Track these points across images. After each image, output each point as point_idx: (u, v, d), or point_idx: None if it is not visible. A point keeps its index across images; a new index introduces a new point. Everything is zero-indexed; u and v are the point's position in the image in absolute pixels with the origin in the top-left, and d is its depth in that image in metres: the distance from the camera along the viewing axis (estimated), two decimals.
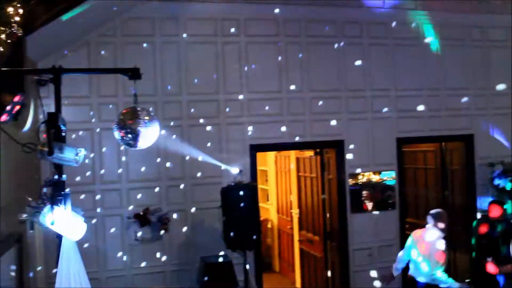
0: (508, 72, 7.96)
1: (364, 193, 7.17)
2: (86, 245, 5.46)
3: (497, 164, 7.62)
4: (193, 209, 6.41)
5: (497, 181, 7.57)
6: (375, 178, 7.24)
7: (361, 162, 7.16)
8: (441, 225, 5.99)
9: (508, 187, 7.46)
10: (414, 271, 6.04)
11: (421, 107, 7.48)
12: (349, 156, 7.09)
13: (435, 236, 5.92)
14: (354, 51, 7.17)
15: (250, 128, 6.68)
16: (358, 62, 7.16)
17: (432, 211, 6.21)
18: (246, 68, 6.70)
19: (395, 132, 7.35)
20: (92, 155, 6.07)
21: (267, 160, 10.42)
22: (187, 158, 6.39)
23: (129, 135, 3.51)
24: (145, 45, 6.30)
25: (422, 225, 7.45)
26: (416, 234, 6.19)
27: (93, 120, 6.14)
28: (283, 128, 6.83)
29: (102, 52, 6.14)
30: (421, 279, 5.94)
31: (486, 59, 7.90)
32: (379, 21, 7.31)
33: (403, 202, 7.50)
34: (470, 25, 7.84)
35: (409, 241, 6.19)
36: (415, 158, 8.62)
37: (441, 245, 5.84)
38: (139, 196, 6.24)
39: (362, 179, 7.17)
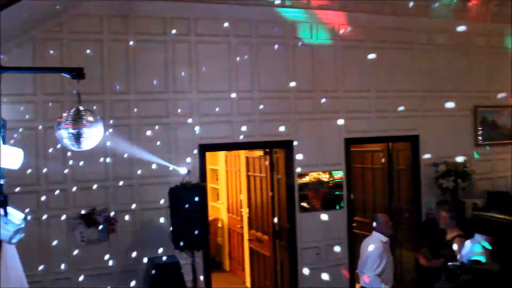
0: (453, 76, 8.23)
1: (312, 192, 7.25)
2: (29, 246, 5.33)
3: (441, 164, 7.84)
4: (140, 210, 6.32)
5: (441, 181, 7.79)
6: (323, 177, 7.33)
7: (309, 162, 7.23)
8: (379, 228, 6.12)
9: (450, 187, 7.69)
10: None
11: (368, 109, 7.64)
12: (297, 156, 7.15)
13: (371, 240, 6.07)
14: (303, 52, 7.23)
15: (199, 128, 6.64)
16: (307, 65, 7.24)
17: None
18: (196, 68, 6.66)
19: (343, 133, 7.45)
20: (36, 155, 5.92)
21: (218, 160, 10.42)
22: (135, 158, 6.30)
23: (72, 136, 3.45)
24: (88, 51, 6.14)
25: (369, 224, 7.62)
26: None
27: (37, 118, 5.98)
28: (233, 128, 6.82)
29: (51, 52, 5.99)
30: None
31: (432, 62, 8.11)
32: (327, 23, 7.39)
33: (350, 201, 7.61)
34: (418, 29, 8.03)
35: None
36: (363, 158, 8.79)
37: (371, 248, 5.96)
38: (85, 196, 6.11)
39: (310, 178, 7.24)
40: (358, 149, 8.60)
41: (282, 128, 7.05)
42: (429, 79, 8.06)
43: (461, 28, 7.92)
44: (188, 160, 6.53)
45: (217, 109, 6.74)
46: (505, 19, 8.55)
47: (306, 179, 7.22)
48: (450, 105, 8.12)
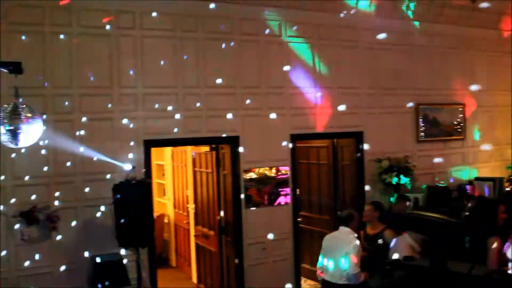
0: (397, 74, 8.44)
1: (258, 188, 7.28)
2: None
3: (384, 160, 8.03)
4: (84, 207, 6.19)
5: (384, 176, 7.99)
6: (269, 173, 7.38)
7: (255, 158, 7.26)
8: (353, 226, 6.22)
9: (394, 182, 7.89)
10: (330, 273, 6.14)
11: (313, 105, 7.73)
12: (244, 152, 7.16)
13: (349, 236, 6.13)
14: (250, 48, 7.24)
15: (144, 123, 6.55)
16: (253, 61, 7.26)
17: None
18: (141, 62, 6.56)
19: (289, 129, 7.51)
20: None
21: (164, 155, 10.33)
22: (78, 153, 6.16)
23: (9, 133, 3.34)
24: (23, 37, 5.93)
25: (315, 218, 7.74)
26: (330, 235, 6.44)
27: None
28: (178, 124, 6.76)
29: None
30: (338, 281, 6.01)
31: (376, 60, 8.28)
32: (273, 19, 7.42)
33: (296, 196, 7.69)
34: (361, 28, 8.17)
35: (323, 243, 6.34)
36: (308, 153, 8.90)
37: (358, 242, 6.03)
38: (26, 193, 5.93)
39: (256, 174, 7.28)
40: (304, 145, 8.71)
41: (228, 124, 7.04)
42: (373, 77, 8.24)
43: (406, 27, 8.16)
44: (133, 156, 6.43)
45: (162, 105, 6.66)
46: (449, 19, 8.87)
47: (252, 175, 7.25)
48: (392, 102, 8.36)
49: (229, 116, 7.06)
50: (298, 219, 7.93)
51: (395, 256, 5.44)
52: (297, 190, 7.93)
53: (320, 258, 6.28)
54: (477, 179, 9.19)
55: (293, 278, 7.60)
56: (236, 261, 7.16)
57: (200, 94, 6.92)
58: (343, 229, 6.15)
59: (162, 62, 6.68)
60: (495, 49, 9.70)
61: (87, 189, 6.20)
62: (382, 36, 8.31)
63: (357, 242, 5.95)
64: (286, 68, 7.48)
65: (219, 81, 7.00)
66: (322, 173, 8.71)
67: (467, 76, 9.38)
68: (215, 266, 7.80)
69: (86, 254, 6.07)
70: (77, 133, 6.17)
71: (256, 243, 7.29)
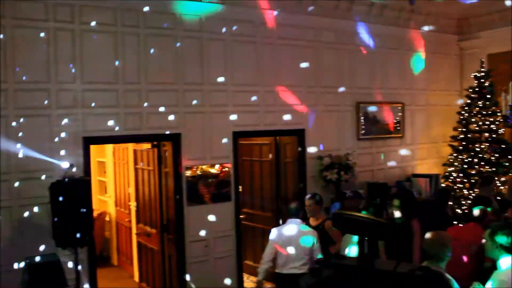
0: (337, 72, 8.59)
1: (201, 185, 7.26)
2: None
3: (325, 157, 8.16)
4: (19, 206, 5.99)
5: (325, 173, 8.11)
6: (211, 170, 7.36)
7: (197, 155, 7.22)
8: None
9: (334, 179, 8.03)
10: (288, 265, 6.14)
11: (257, 102, 7.76)
12: (186, 149, 7.12)
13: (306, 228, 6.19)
14: (192, 44, 7.18)
15: (83, 120, 6.40)
16: (196, 58, 7.22)
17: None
18: (80, 57, 6.39)
19: (231, 126, 7.52)
20: None
21: (106, 152, 10.14)
22: (13, 151, 5.95)
23: None
24: None
25: (258, 215, 7.77)
26: (280, 229, 6.38)
27: None
28: (119, 121, 6.64)
29: None
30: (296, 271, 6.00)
31: (317, 59, 8.39)
32: (218, 16, 7.40)
33: (238, 193, 7.71)
34: (305, 26, 8.26)
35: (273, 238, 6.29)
36: (251, 151, 8.94)
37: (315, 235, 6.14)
38: None
39: (198, 171, 7.25)
40: (247, 142, 8.75)
41: (170, 121, 6.97)
42: (315, 75, 8.35)
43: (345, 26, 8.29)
44: (72, 153, 6.27)
45: (102, 101, 6.52)
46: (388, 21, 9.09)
47: (194, 172, 7.21)
48: (333, 100, 8.51)
49: (171, 113, 6.98)
50: (241, 216, 7.96)
51: (346, 251, 5.57)
52: (240, 187, 7.95)
53: (267, 252, 6.19)
54: (414, 175, 9.48)
55: (236, 275, 7.62)
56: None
57: (142, 90, 6.82)
58: (296, 221, 6.17)
59: (102, 58, 6.54)
60: (433, 50, 10.03)
61: (23, 188, 6.00)
62: (323, 34, 8.43)
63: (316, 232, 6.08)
64: (229, 65, 7.47)
65: (160, 77, 6.91)
66: (264, 170, 8.77)
67: (406, 76, 9.65)
68: (157, 264, 7.73)
69: (22, 256, 5.86)
70: (11, 130, 5.95)
71: (199, 241, 7.27)
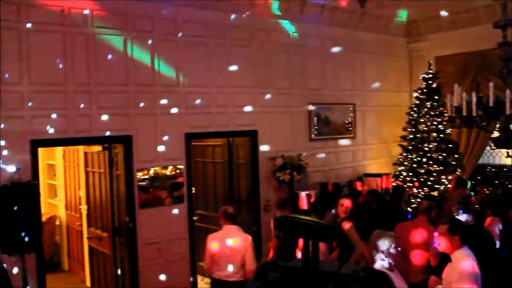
0: (290, 73, 8.66)
1: (153, 187, 7.19)
2: None
3: (278, 158, 8.20)
4: None
5: (278, 174, 8.16)
6: (164, 172, 7.30)
7: (149, 157, 7.15)
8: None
9: (286, 179, 8.08)
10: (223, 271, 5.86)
11: (209, 104, 7.74)
12: (137, 151, 7.03)
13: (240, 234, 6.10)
14: (143, 45, 7.11)
15: (31, 122, 6.23)
16: (147, 59, 7.14)
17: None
18: (27, 57, 6.20)
19: (184, 128, 7.47)
20: None
21: (56, 154, 9.91)
22: None
23: None
24: None
25: (211, 217, 7.73)
26: (217, 235, 6.27)
27: None
28: (68, 122, 6.49)
29: None
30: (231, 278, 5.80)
31: (270, 60, 8.44)
32: (169, 17, 7.35)
33: (191, 195, 7.68)
34: (257, 28, 8.29)
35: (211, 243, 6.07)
36: (204, 152, 8.91)
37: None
38: None
39: (150, 174, 7.17)
40: (200, 144, 8.71)
41: (120, 123, 6.87)
42: (267, 76, 8.39)
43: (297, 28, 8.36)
44: (19, 156, 6.10)
45: (50, 103, 6.36)
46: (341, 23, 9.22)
47: (146, 174, 7.14)
48: (286, 101, 8.57)
49: (122, 114, 6.89)
50: (194, 218, 7.92)
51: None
52: (193, 188, 7.91)
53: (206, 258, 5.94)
54: (366, 175, 9.65)
55: (190, 277, 7.58)
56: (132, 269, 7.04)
57: (92, 92, 6.69)
58: (233, 227, 5.89)
59: (50, 58, 6.38)
60: (383, 52, 10.25)
61: None
62: (275, 36, 8.49)
63: (250, 237, 5.87)
64: (180, 65, 7.42)
65: (111, 79, 6.81)
66: (218, 172, 8.75)
67: (357, 77, 9.82)
68: (109, 269, 7.60)
69: None
70: None
71: (151, 244, 7.20)
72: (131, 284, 7.11)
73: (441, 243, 4.56)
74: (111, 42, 6.83)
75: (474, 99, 5.83)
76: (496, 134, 6.25)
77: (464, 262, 4.40)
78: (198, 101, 7.60)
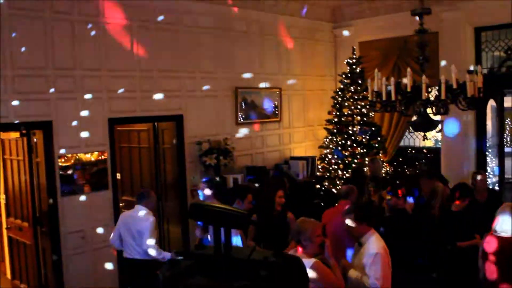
0: (216, 58, 8.60)
1: (75, 174, 6.99)
2: None
3: (204, 142, 8.17)
4: None
5: (204, 158, 8.13)
6: (87, 158, 7.11)
7: (71, 143, 6.93)
8: (148, 204, 6.21)
9: (213, 164, 8.08)
10: (129, 250, 6.20)
11: (133, 88, 7.58)
12: (58, 137, 6.79)
13: (142, 214, 6.12)
14: (62, 27, 6.83)
15: None
16: (66, 42, 6.86)
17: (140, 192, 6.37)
18: None
19: (107, 113, 7.28)
20: None
21: None
22: None
23: None
24: None
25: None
26: (125, 214, 6.34)
27: None
28: None
29: None
30: (137, 256, 6.13)
31: (196, 44, 8.34)
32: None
33: (116, 181, 7.53)
34: (182, 11, 8.16)
35: (118, 221, 6.32)
36: (129, 137, 8.75)
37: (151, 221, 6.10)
38: None
39: (73, 160, 6.96)
40: (125, 129, 8.55)
41: (39, 108, 6.61)
42: (194, 60, 8.31)
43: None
44: None
45: None
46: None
47: (68, 161, 6.92)
48: (212, 85, 8.53)
49: (41, 99, 6.62)
50: (120, 204, 7.79)
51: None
52: (118, 174, 7.76)
53: (112, 235, 6.36)
54: (292, 158, 9.79)
55: (117, 264, 7.45)
56: (54, 257, 6.83)
57: (7, 76, 6.38)
58: (140, 208, 6.17)
59: None
60: (308, 37, 10.37)
61: None
62: (202, 19, 8.40)
63: (152, 218, 6.09)
64: (102, 50, 7.21)
65: (28, 62, 6.51)
66: (143, 157, 8.63)
67: (283, 61, 9.89)
68: (30, 260, 7.35)
69: None
70: None
71: (75, 232, 7.02)
72: (54, 274, 6.93)
73: (350, 230, 4.72)
74: (26, 23, 6.51)
75: (393, 84, 6.01)
76: (414, 118, 6.47)
77: (374, 244, 4.58)
78: (121, 89, 7.43)
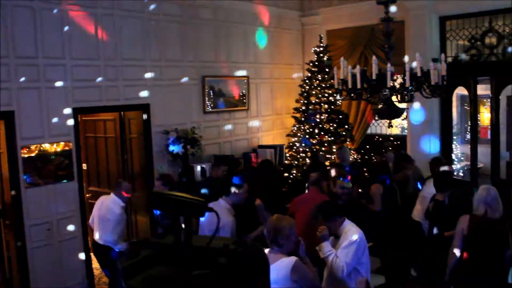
0: (182, 46, 8.52)
1: (40, 165, 6.86)
2: None
3: (171, 131, 8.11)
4: None
5: (171, 147, 8.08)
6: (51, 149, 6.98)
7: (35, 134, 6.79)
8: (121, 194, 6.43)
9: (180, 153, 8.03)
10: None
11: (98, 77, 7.46)
12: (21, 127, 6.64)
13: (112, 205, 6.17)
14: (24, 14, 6.67)
15: None
16: (28, 30, 6.70)
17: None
18: None
19: (71, 102, 7.16)
20: None
21: None
22: None
23: None
24: None
25: (105, 193, 7.53)
26: (102, 198, 6.72)
27: None
28: None
29: None
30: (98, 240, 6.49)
31: (162, 32, 8.25)
32: None
33: (81, 172, 7.43)
34: None
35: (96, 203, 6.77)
36: (95, 127, 8.63)
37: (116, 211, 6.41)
38: None
39: (36, 151, 6.83)
40: (91, 119, 8.44)
41: (1, 98, 6.42)
42: (159, 49, 8.22)
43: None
44: None
45: None
46: None
47: (32, 152, 6.78)
48: (179, 74, 8.46)
49: (1, 89, 6.44)
50: (87, 195, 7.69)
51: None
52: (84, 165, 7.65)
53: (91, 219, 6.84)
54: (260, 147, 9.80)
55: (83, 255, 7.37)
56: (19, 243, 6.71)
57: None
58: (113, 197, 6.54)
59: None
60: (276, 25, 10.36)
61: None
62: (168, 7, 8.30)
63: (118, 211, 6.39)
64: (66, 37, 7.06)
65: None
66: (110, 147, 8.52)
67: (251, 49, 9.86)
68: None
69: None
70: None
71: (40, 224, 6.90)
72: (19, 267, 6.80)
73: (326, 230, 4.68)
74: None
75: (358, 72, 6.04)
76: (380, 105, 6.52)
77: (353, 232, 4.60)
78: (88, 75, 7.31)
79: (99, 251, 6.69)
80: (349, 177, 6.87)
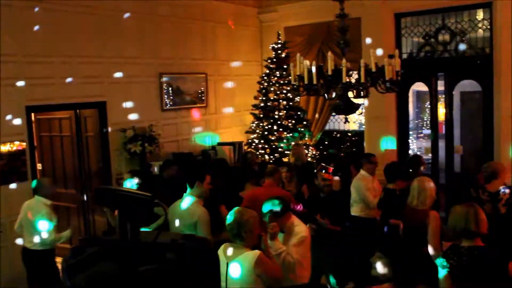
0: (140, 43, 8.42)
1: None
2: None
3: (129, 129, 8.01)
4: None
5: (129, 146, 7.97)
6: (2, 149, 6.79)
7: None
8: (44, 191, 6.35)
9: (138, 151, 7.94)
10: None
11: (52, 74, 7.29)
12: None
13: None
14: None
15: None
16: None
17: None
18: None
19: (24, 100, 6.98)
20: None
21: None
22: None
23: None
24: None
25: (61, 193, 7.39)
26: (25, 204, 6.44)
27: None
28: None
29: None
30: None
31: (118, 28, 8.13)
32: None
33: (35, 172, 7.27)
34: None
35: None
36: (50, 126, 8.45)
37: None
38: None
39: None
40: (45, 117, 8.26)
41: None
42: (115, 45, 8.10)
43: None
44: None
45: None
46: None
47: None
48: (136, 71, 8.35)
49: None
50: None
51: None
52: (39, 165, 7.48)
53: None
54: (219, 144, 9.78)
55: None
56: None
57: None
58: (35, 197, 6.31)
59: None
60: (234, 21, 10.34)
61: None
62: (123, 3, 8.18)
63: (45, 210, 6.20)
64: (19, 34, 6.88)
65: None
66: (65, 146, 8.35)
67: (209, 46, 9.82)
68: None
69: None
70: None
71: None
72: None
73: (277, 227, 4.66)
74: None
75: (314, 68, 6.08)
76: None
77: (301, 228, 4.64)
78: (41, 72, 7.13)
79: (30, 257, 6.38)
80: (330, 169, 6.99)
